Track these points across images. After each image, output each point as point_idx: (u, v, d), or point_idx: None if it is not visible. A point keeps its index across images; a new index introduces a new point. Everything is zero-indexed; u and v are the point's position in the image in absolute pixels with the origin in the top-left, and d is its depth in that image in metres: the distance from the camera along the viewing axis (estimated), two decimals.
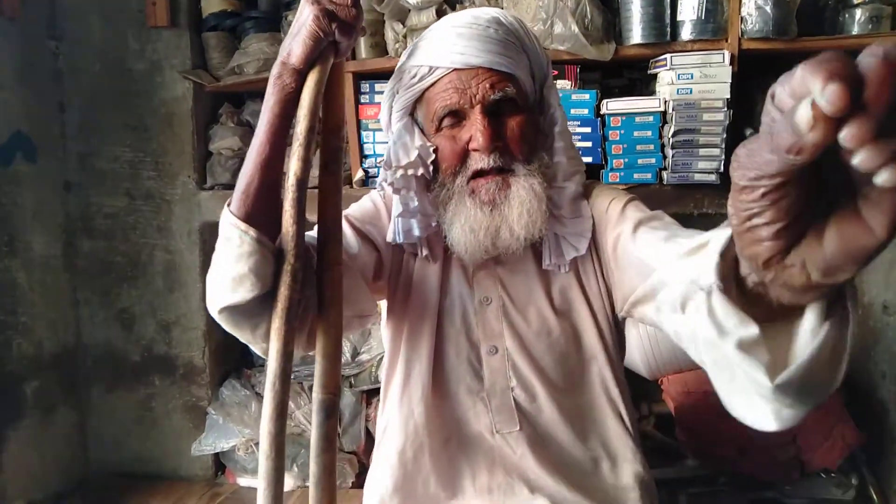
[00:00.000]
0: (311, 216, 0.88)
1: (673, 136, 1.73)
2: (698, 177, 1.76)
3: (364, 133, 1.98)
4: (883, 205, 0.38)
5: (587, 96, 1.78)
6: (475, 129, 0.94)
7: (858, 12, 1.74)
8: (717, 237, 0.58)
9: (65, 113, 2.20)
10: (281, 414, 0.74)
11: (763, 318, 0.53)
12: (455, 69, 0.95)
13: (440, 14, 1.85)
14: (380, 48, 1.94)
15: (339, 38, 0.81)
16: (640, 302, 0.88)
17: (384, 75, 1.96)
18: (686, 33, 1.76)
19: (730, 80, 1.71)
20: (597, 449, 1.05)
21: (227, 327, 0.86)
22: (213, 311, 0.85)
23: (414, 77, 0.98)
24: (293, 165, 0.78)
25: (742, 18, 1.73)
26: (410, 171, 1.00)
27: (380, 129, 1.96)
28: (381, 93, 1.95)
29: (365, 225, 1.06)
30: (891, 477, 1.88)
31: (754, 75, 1.84)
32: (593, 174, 1.82)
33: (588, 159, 1.79)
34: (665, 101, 1.76)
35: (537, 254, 1.05)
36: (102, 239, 2.22)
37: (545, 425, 1.04)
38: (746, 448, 1.90)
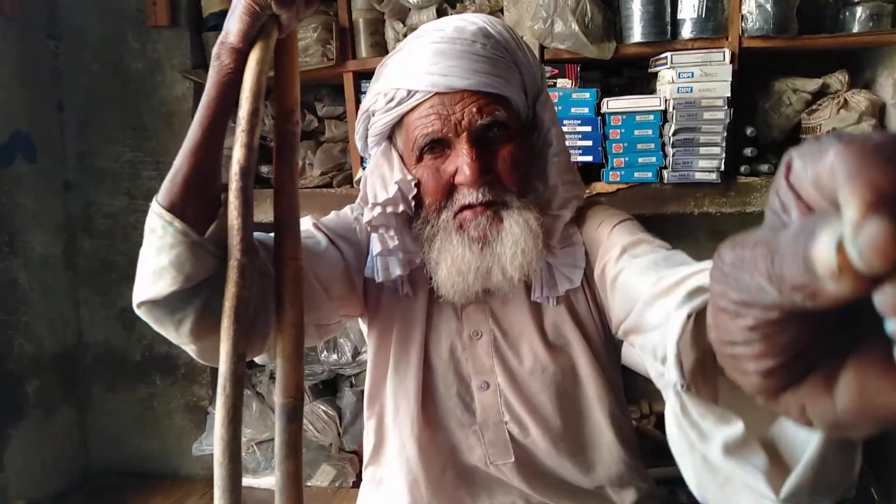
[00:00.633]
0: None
1: (673, 134, 1.73)
2: (699, 175, 1.76)
3: None
4: None
5: (587, 95, 1.78)
6: (461, 161, 0.85)
7: (859, 10, 1.74)
8: (688, 286, 0.53)
9: (64, 112, 2.20)
10: (233, 419, 0.69)
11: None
12: (437, 93, 0.85)
13: (440, 13, 1.85)
14: (380, 47, 1.94)
15: (277, 11, 0.74)
16: (630, 332, 0.81)
17: None
18: (686, 32, 1.75)
19: (730, 79, 1.70)
20: (600, 478, 1.00)
21: (151, 323, 0.81)
22: (135, 306, 0.79)
23: (391, 101, 0.88)
24: (236, 153, 0.72)
25: (742, 17, 1.72)
26: (390, 209, 0.91)
27: None
28: None
29: (336, 235, 0.98)
30: (892, 475, 1.88)
31: (755, 74, 1.84)
32: (593, 173, 1.82)
33: (588, 158, 1.79)
34: (665, 100, 1.75)
35: (528, 284, 0.97)
36: (103, 238, 2.22)
37: (542, 457, 0.99)
38: None
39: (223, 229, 0.75)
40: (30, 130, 2.08)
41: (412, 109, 0.88)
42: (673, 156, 1.75)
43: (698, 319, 0.50)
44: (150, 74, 2.14)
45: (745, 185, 1.78)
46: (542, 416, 0.98)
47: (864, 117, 1.77)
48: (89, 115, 2.19)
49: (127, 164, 2.19)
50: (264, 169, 2.15)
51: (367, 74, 1.96)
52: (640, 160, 1.79)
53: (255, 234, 0.86)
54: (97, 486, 2.24)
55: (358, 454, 2.12)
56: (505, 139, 0.89)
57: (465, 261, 0.87)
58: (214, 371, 2.51)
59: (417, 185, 0.91)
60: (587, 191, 1.75)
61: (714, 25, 1.73)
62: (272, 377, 2.18)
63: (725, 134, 1.72)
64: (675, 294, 0.60)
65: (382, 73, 0.92)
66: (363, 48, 1.94)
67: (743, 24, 1.73)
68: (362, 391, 2.13)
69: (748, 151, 1.79)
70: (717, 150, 1.74)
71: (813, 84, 1.83)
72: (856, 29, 1.76)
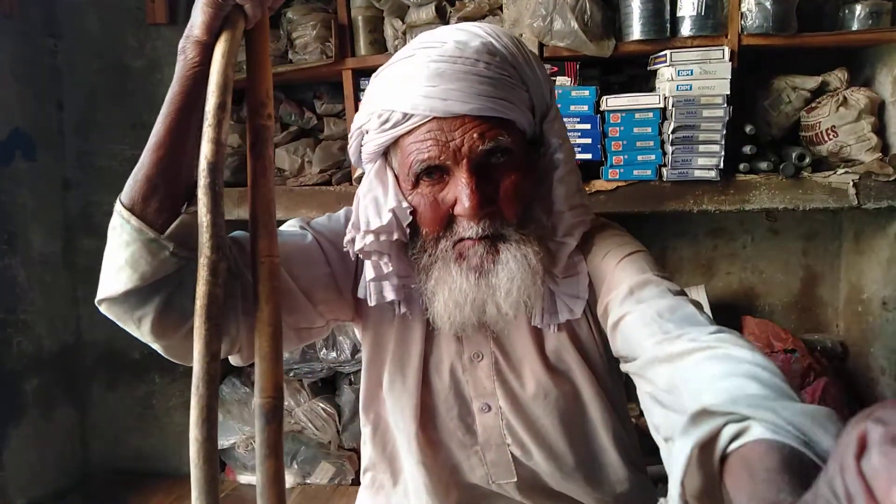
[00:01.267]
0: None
1: (673, 132, 1.73)
2: (698, 173, 1.76)
3: None
4: None
5: (587, 93, 1.78)
6: (461, 192, 0.79)
7: (858, 8, 1.74)
8: (694, 404, 0.54)
9: (63, 111, 2.20)
10: (207, 418, 0.68)
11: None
12: (435, 117, 0.79)
13: (440, 11, 1.84)
14: (379, 45, 1.94)
15: (240, 1, 0.72)
16: (633, 376, 0.79)
17: None
18: (686, 29, 1.75)
19: (730, 77, 1.70)
20: (606, 497, 0.99)
21: (114, 319, 0.79)
22: (96, 302, 0.78)
23: (385, 122, 0.83)
24: (203, 148, 0.70)
25: (742, 14, 1.72)
26: (383, 237, 0.86)
27: None
28: None
29: (326, 241, 0.94)
30: None
31: (754, 71, 1.84)
32: (593, 171, 1.82)
33: (587, 156, 1.79)
34: (665, 98, 1.75)
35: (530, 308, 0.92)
36: (102, 237, 2.18)
37: (546, 478, 0.98)
38: None
39: (187, 226, 0.74)
40: (29, 129, 2.08)
41: (408, 133, 0.82)
42: (672, 153, 1.75)
43: (703, 446, 0.50)
44: (150, 72, 2.13)
45: (744, 182, 1.78)
46: (546, 440, 0.95)
47: (864, 115, 1.77)
48: (88, 114, 2.19)
49: (126, 163, 2.18)
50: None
51: (367, 72, 1.96)
52: (640, 158, 1.79)
53: (237, 232, 0.86)
54: (97, 484, 2.24)
55: (357, 452, 2.12)
56: (508, 167, 0.83)
57: (462, 292, 0.83)
58: None
59: (413, 212, 0.85)
60: (586, 189, 1.75)
61: (713, 23, 1.73)
62: None
63: (724, 131, 1.72)
64: (680, 392, 0.63)
65: (376, 89, 0.87)
66: (362, 46, 1.94)
67: (742, 22, 1.73)
68: None
69: (747, 149, 1.79)
70: (716, 147, 1.74)
71: (812, 82, 1.83)
72: (855, 27, 1.76)
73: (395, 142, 0.84)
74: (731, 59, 1.71)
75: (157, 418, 2.27)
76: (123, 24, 2.12)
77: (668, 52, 1.73)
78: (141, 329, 0.78)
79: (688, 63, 1.72)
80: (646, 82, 1.93)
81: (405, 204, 0.85)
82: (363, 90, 1.97)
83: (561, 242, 0.88)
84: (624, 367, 0.83)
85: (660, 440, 0.68)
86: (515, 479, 0.97)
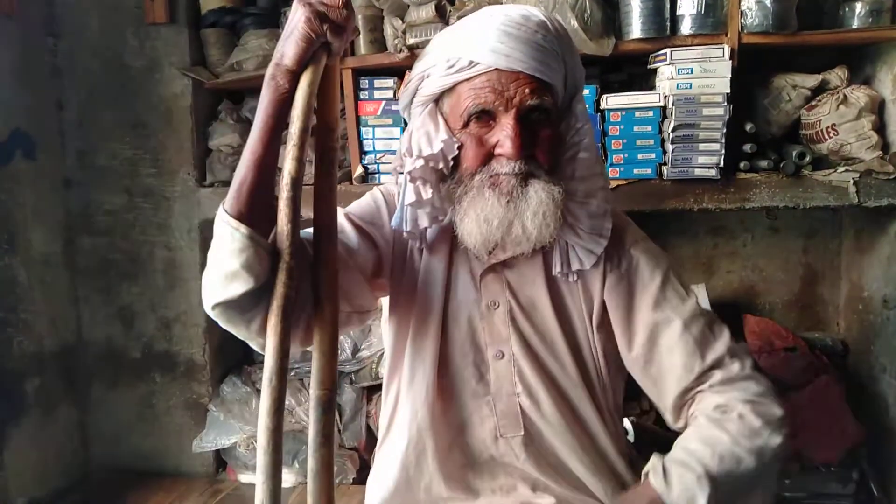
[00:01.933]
0: (311, 212, 0.90)
1: (673, 130, 1.73)
2: (698, 171, 1.76)
3: (363, 129, 1.98)
4: None
5: (587, 91, 1.78)
6: (504, 135, 0.92)
7: (858, 6, 1.74)
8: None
9: (63, 110, 2.20)
10: (278, 409, 0.76)
11: None
12: (496, 69, 0.92)
13: (439, 10, 1.84)
14: (379, 44, 1.94)
15: (330, 39, 0.82)
16: (645, 390, 1.07)
17: (383, 72, 1.96)
18: (686, 28, 1.75)
19: (730, 75, 1.70)
20: (595, 461, 1.06)
21: (222, 323, 0.88)
22: (208, 308, 0.86)
23: (451, 67, 0.94)
24: (287, 165, 0.79)
25: (742, 13, 1.72)
26: (431, 164, 0.98)
27: (379, 126, 1.95)
28: (381, 89, 1.96)
29: (365, 223, 1.05)
30: (891, 471, 1.89)
31: (754, 70, 1.84)
32: None
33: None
34: (665, 96, 1.75)
35: (546, 261, 1.04)
36: (102, 236, 2.22)
37: (549, 433, 1.04)
38: None
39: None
40: (29, 128, 2.08)
41: (469, 79, 0.93)
42: (672, 152, 1.75)
43: None
44: (149, 72, 2.13)
45: (744, 181, 1.78)
46: (553, 384, 1.04)
47: (864, 113, 1.77)
48: (88, 113, 2.19)
49: (126, 162, 2.19)
50: None
51: (366, 71, 1.96)
52: (640, 156, 1.79)
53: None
54: (97, 483, 2.25)
55: (358, 451, 2.12)
56: (545, 123, 0.95)
57: (493, 210, 0.93)
58: (214, 368, 2.49)
59: (460, 147, 0.96)
60: None
61: (713, 21, 1.73)
62: None
63: (725, 130, 1.72)
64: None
65: (442, 41, 0.98)
66: (362, 45, 1.94)
67: (742, 21, 1.72)
68: (362, 388, 2.15)
69: (747, 147, 1.79)
70: (716, 146, 1.74)
71: (812, 80, 1.83)
72: (855, 25, 1.75)
73: (452, 88, 0.96)
74: (731, 58, 1.71)
75: (158, 418, 2.27)
76: (123, 24, 2.12)
77: (668, 50, 1.73)
78: (250, 329, 0.86)
79: (688, 61, 1.72)
80: (646, 81, 1.93)
81: (454, 140, 0.97)
82: (363, 89, 1.97)
83: (583, 202, 0.99)
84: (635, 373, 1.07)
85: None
86: (522, 433, 1.04)
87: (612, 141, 1.79)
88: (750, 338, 2.03)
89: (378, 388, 2.15)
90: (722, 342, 1.01)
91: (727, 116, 1.71)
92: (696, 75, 1.72)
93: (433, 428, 1.04)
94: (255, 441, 2.11)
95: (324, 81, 0.85)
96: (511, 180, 0.93)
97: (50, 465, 2.14)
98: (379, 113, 1.95)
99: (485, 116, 0.94)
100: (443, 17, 1.86)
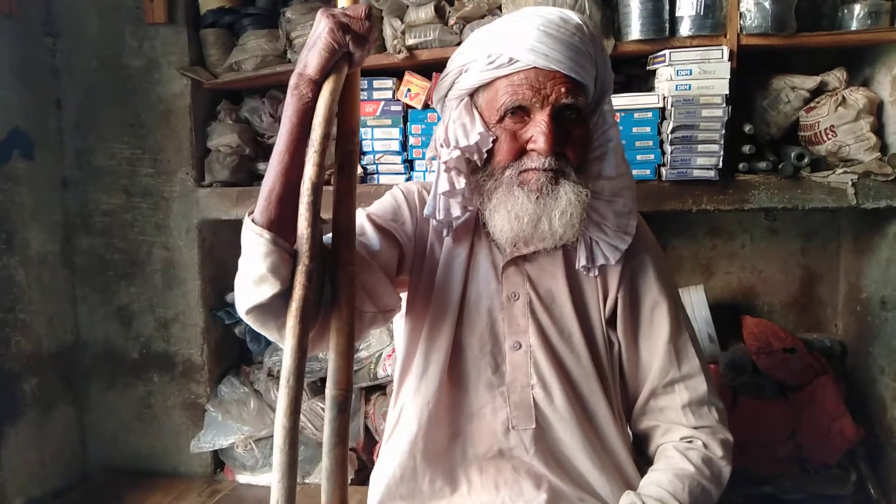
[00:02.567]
0: (325, 214, 0.91)
1: (672, 132, 1.73)
2: (697, 173, 1.76)
3: (362, 130, 1.98)
4: None
5: None
6: (538, 131, 0.95)
7: (857, 8, 1.74)
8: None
9: (62, 110, 2.20)
10: (295, 409, 0.78)
11: None
12: (535, 67, 0.95)
13: (439, 10, 1.84)
14: (378, 45, 1.94)
15: (352, 50, 0.85)
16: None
17: (382, 72, 1.96)
18: (685, 29, 1.75)
19: (729, 76, 1.70)
20: (603, 458, 1.09)
21: (257, 328, 0.90)
22: (243, 314, 0.89)
23: (491, 63, 0.98)
24: (308, 170, 0.82)
25: (741, 14, 1.72)
26: (466, 155, 1.01)
27: (378, 126, 1.95)
28: (380, 89, 1.96)
29: (387, 221, 1.09)
30: (889, 472, 1.89)
31: (753, 71, 1.84)
32: None
33: None
34: (664, 98, 1.75)
35: (566, 256, 1.09)
36: (100, 236, 2.21)
37: (560, 427, 1.06)
38: (745, 444, 1.90)
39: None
40: (27, 128, 2.08)
41: (507, 75, 0.97)
42: (671, 153, 1.75)
43: None
44: (148, 72, 2.13)
45: (743, 182, 1.78)
46: (567, 378, 1.07)
47: (862, 115, 1.77)
48: (87, 113, 2.18)
49: (125, 162, 2.18)
50: (262, 166, 2.15)
51: (365, 72, 1.96)
52: (639, 157, 1.79)
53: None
54: (95, 483, 2.24)
55: (356, 451, 2.12)
56: (577, 122, 0.99)
57: (524, 208, 0.97)
58: (212, 369, 2.48)
59: (494, 140, 1.00)
60: None
61: (712, 23, 1.73)
62: (270, 374, 2.18)
63: (724, 131, 1.73)
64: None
65: (481, 37, 1.02)
66: None
67: (741, 22, 1.73)
68: (360, 389, 2.15)
69: (746, 149, 1.79)
70: (715, 147, 1.74)
71: (811, 81, 1.83)
72: (854, 26, 1.76)
73: (489, 83, 1.00)
74: (730, 59, 1.71)
75: (156, 417, 2.27)
76: (122, 23, 2.12)
77: (667, 51, 1.73)
78: (282, 332, 0.87)
79: (687, 63, 1.72)
80: (645, 82, 1.93)
81: (489, 133, 1.00)
82: (362, 89, 1.97)
83: (609, 201, 1.04)
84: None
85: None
86: (534, 426, 1.06)
87: None
88: (748, 339, 2.03)
89: (376, 388, 2.15)
90: (696, 359, 1.10)
91: (726, 118, 1.71)
92: (695, 76, 1.72)
93: (443, 416, 1.07)
94: (253, 441, 2.12)
95: (345, 89, 0.87)
96: (541, 177, 0.96)
97: (47, 465, 2.14)
98: (378, 113, 1.95)
99: (520, 112, 0.98)
100: (442, 18, 1.86)
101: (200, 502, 2.08)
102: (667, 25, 1.76)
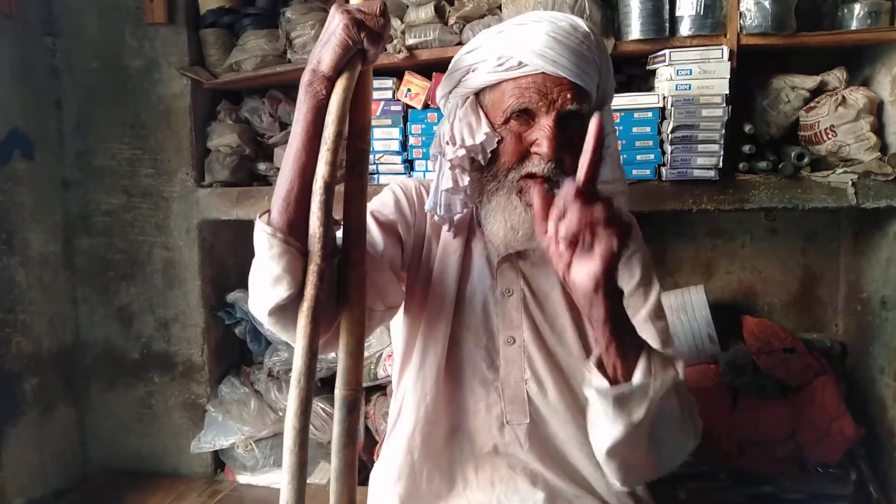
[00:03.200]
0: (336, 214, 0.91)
1: (672, 132, 1.73)
2: (697, 173, 1.76)
3: None
4: None
5: None
6: (542, 135, 0.97)
7: (857, 7, 1.74)
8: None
9: (62, 110, 2.20)
10: (305, 410, 0.78)
11: None
12: (543, 72, 0.97)
13: (438, 10, 1.84)
14: None
15: (367, 47, 0.85)
16: None
17: (382, 72, 1.96)
18: (685, 29, 1.75)
19: (729, 76, 1.70)
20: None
21: (279, 332, 0.90)
22: (262, 317, 0.88)
23: (500, 65, 0.99)
24: (321, 169, 0.81)
25: (741, 14, 1.72)
26: (471, 154, 1.02)
27: (378, 126, 1.95)
28: (380, 89, 1.96)
29: (389, 218, 1.10)
30: (890, 472, 1.89)
31: (753, 71, 1.84)
32: None
33: None
34: (664, 97, 1.75)
35: None
36: (101, 236, 2.21)
37: (554, 421, 1.08)
38: (745, 443, 1.90)
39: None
40: (27, 128, 2.08)
41: (515, 78, 0.98)
42: (671, 153, 1.75)
43: None
44: (148, 72, 2.13)
45: (743, 182, 1.78)
46: (560, 372, 1.08)
47: (862, 114, 1.77)
48: (87, 113, 2.18)
49: (125, 162, 2.18)
50: (262, 166, 2.15)
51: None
52: (639, 157, 1.79)
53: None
54: (96, 484, 2.24)
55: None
56: (578, 129, 0.98)
57: (520, 220, 0.99)
58: (212, 369, 2.48)
59: (499, 141, 1.01)
60: None
61: (712, 23, 1.73)
62: (270, 375, 2.18)
63: (724, 131, 1.72)
64: None
65: (490, 39, 1.03)
66: None
67: (741, 22, 1.73)
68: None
69: (746, 149, 1.79)
70: (715, 147, 1.74)
71: (811, 81, 1.83)
72: (854, 26, 1.76)
73: (496, 84, 1.01)
74: (730, 59, 1.71)
75: (156, 418, 2.27)
76: (122, 24, 2.12)
77: (667, 51, 1.73)
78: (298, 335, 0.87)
79: (687, 63, 1.72)
80: (644, 82, 1.93)
81: (494, 134, 1.01)
82: None
83: None
84: None
85: None
86: (528, 421, 1.07)
87: None
88: (749, 339, 2.03)
89: (376, 388, 2.15)
90: (670, 346, 1.07)
91: (726, 117, 1.71)
92: (695, 76, 1.72)
93: (440, 410, 1.08)
94: (254, 442, 2.12)
95: (358, 86, 0.87)
96: (539, 190, 0.96)
97: (48, 465, 2.14)
98: (378, 113, 1.95)
99: (525, 115, 0.99)
100: (442, 18, 1.86)
101: (201, 503, 2.08)
102: (667, 25, 1.76)
